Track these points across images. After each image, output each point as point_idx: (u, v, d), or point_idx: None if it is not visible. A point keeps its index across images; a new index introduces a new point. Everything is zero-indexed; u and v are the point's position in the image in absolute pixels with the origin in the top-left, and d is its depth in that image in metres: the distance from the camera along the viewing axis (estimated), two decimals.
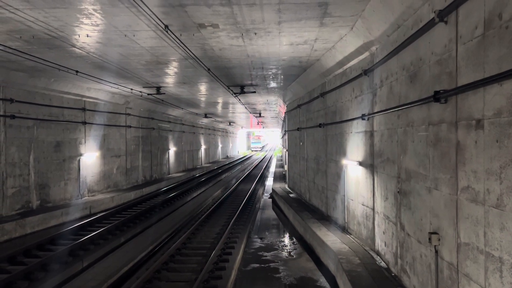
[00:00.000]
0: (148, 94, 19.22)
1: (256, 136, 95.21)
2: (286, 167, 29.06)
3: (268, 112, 36.40)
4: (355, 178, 10.50)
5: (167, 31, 8.50)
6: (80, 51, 10.87)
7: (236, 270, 10.28)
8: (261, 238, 14.08)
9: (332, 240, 10.49)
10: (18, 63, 12.02)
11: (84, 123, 18.36)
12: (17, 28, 8.77)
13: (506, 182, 4.03)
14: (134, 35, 9.47)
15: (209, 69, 13.10)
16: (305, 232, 12.96)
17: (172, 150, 31.70)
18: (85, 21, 8.34)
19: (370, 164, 9.24)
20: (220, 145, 57.04)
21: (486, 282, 4.43)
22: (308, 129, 16.79)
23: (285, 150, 33.09)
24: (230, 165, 47.92)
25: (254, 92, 19.80)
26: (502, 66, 4.09)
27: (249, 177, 34.81)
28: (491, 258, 4.32)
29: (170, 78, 15.90)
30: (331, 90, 12.52)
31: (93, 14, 7.93)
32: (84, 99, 18.22)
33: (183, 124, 34.75)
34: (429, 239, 5.68)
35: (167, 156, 30.59)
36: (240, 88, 18.47)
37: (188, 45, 10.25)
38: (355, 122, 10.30)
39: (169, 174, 30.92)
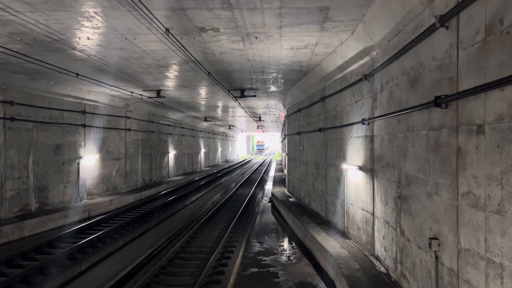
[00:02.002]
0: (148, 97, 19.23)
1: (260, 140, 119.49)
2: (285, 171, 29.03)
3: (268, 116, 36.42)
4: (355, 182, 10.48)
5: (168, 35, 8.51)
6: (81, 53, 10.87)
7: (235, 275, 10.24)
8: (260, 243, 14.03)
9: (331, 245, 10.46)
10: (18, 65, 12.02)
11: (84, 126, 18.35)
12: (18, 30, 8.78)
13: (507, 188, 4.01)
14: (134, 38, 9.48)
15: (209, 73, 13.11)
16: (305, 236, 12.92)
17: (171, 153, 31.67)
18: (86, 24, 8.34)
19: (370, 168, 9.22)
20: (219, 149, 57.01)
21: None
22: (308, 133, 16.78)
23: (284, 154, 33.07)
24: (229, 169, 47.90)
25: (254, 96, 19.81)
26: (503, 72, 4.09)
27: (248, 181, 34.77)
28: (492, 264, 4.30)
29: (170, 81, 15.91)
30: (331, 95, 12.53)
31: (94, 17, 7.94)
32: (84, 101, 18.22)
33: (182, 127, 34.74)
34: (429, 244, 5.65)
35: (166, 159, 30.56)
36: (240, 92, 18.48)
37: (189, 48, 10.26)
38: (355, 126, 10.29)
39: (168, 178, 30.88)
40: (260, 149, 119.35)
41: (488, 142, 4.37)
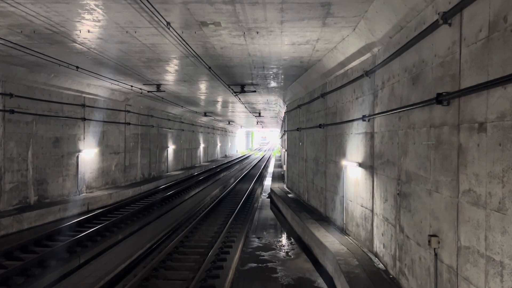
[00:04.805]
0: (148, 92, 19.17)
1: (264, 136, 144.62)
2: (284, 167, 29.04)
3: (268, 112, 36.37)
4: (354, 179, 10.48)
5: (169, 28, 8.46)
6: (81, 46, 10.83)
7: (233, 270, 10.25)
8: (259, 238, 14.05)
9: (330, 241, 10.47)
10: (18, 57, 11.97)
11: (84, 119, 18.31)
12: (18, 22, 8.73)
13: (509, 186, 4.01)
14: (135, 32, 9.43)
15: (210, 68, 13.07)
16: (303, 232, 12.94)
17: (171, 148, 31.65)
18: (87, 16, 8.30)
19: (369, 165, 9.22)
20: (219, 144, 56.99)
21: (486, 286, 4.41)
22: (308, 130, 16.77)
23: (284, 150, 33.07)
24: (228, 164, 47.90)
25: (255, 91, 19.77)
26: (506, 69, 4.07)
27: (247, 177, 34.78)
28: (492, 262, 4.30)
29: (170, 75, 15.86)
30: (332, 91, 12.50)
31: (95, 10, 7.89)
32: (83, 95, 18.17)
33: (182, 122, 34.70)
34: (429, 241, 5.66)
35: (165, 154, 30.54)
36: (240, 87, 18.44)
37: (190, 43, 10.22)
38: (355, 123, 10.28)
39: (167, 172, 30.88)
40: (264, 143, 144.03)
41: (489, 140, 4.36)
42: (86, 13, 8.11)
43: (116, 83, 17.02)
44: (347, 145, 11.07)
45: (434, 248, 5.65)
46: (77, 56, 11.95)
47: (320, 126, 13.86)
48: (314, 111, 15.46)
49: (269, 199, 23.27)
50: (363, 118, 9.34)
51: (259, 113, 37.29)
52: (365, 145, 9.56)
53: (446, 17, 5.24)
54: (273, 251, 12.30)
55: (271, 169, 45.21)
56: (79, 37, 9.92)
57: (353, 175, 10.55)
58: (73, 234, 12.76)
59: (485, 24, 4.47)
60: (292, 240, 13.82)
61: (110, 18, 8.42)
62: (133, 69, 14.32)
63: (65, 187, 17.22)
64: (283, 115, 29.38)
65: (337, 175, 12.20)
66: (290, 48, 11.02)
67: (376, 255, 8.86)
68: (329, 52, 11.21)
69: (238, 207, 18.54)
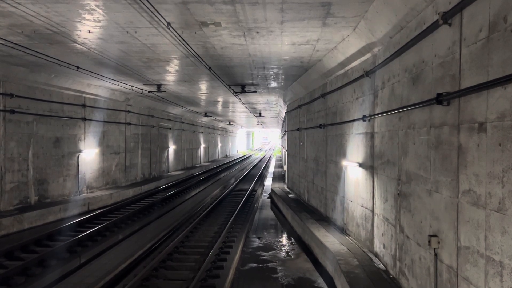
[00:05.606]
0: (149, 92, 19.18)
1: (264, 136, 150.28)
2: (285, 167, 29.04)
3: (268, 112, 36.37)
4: (354, 179, 10.48)
5: (169, 29, 8.47)
6: (81, 47, 10.83)
7: (234, 270, 10.25)
8: (259, 238, 14.05)
9: (330, 241, 10.47)
10: (19, 57, 11.98)
11: (84, 119, 18.33)
12: (19, 22, 8.74)
13: (509, 186, 4.01)
14: (135, 32, 9.44)
15: (210, 68, 13.07)
16: (304, 232, 12.94)
17: (171, 148, 31.66)
18: (87, 16, 8.31)
19: (370, 165, 9.22)
20: (219, 144, 56.99)
21: (486, 286, 4.41)
22: (308, 130, 16.77)
23: (284, 150, 33.08)
24: (229, 164, 47.90)
25: (255, 91, 19.77)
26: (506, 69, 4.07)
27: (248, 177, 34.78)
28: (492, 262, 4.30)
29: (171, 75, 15.87)
30: (332, 91, 12.50)
31: (95, 10, 7.90)
32: (84, 95, 18.18)
33: (182, 122, 34.70)
34: (429, 242, 5.66)
35: (166, 154, 30.55)
36: (241, 87, 18.44)
37: (190, 43, 10.23)
38: (355, 123, 10.28)
39: (168, 172, 30.88)
40: (265, 142, 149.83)
41: (489, 140, 4.36)
42: (86, 13, 8.12)
43: (117, 83, 17.04)
44: (348, 145, 11.07)
45: (434, 248, 5.65)
46: (77, 56, 11.96)
47: (320, 126, 13.86)
48: (315, 111, 15.46)
49: (269, 199, 23.28)
50: (363, 118, 9.34)
51: (260, 113, 37.28)
52: (365, 145, 9.56)
53: (446, 17, 5.24)
54: (274, 251, 12.30)
55: (271, 169, 45.22)
56: (79, 37, 9.93)
57: (354, 175, 10.55)
58: (73, 234, 12.77)
59: (485, 24, 4.47)
60: (292, 240, 13.82)
61: (110, 18, 8.43)
62: (133, 69, 14.33)
63: (65, 187, 17.23)
64: (283, 115, 29.39)
65: (338, 175, 12.20)
66: (290, 48, 11.02)
67: (376, 255, 8.86)
68: (329, 52, 11.21)
69: (239, 207, 18.54)
